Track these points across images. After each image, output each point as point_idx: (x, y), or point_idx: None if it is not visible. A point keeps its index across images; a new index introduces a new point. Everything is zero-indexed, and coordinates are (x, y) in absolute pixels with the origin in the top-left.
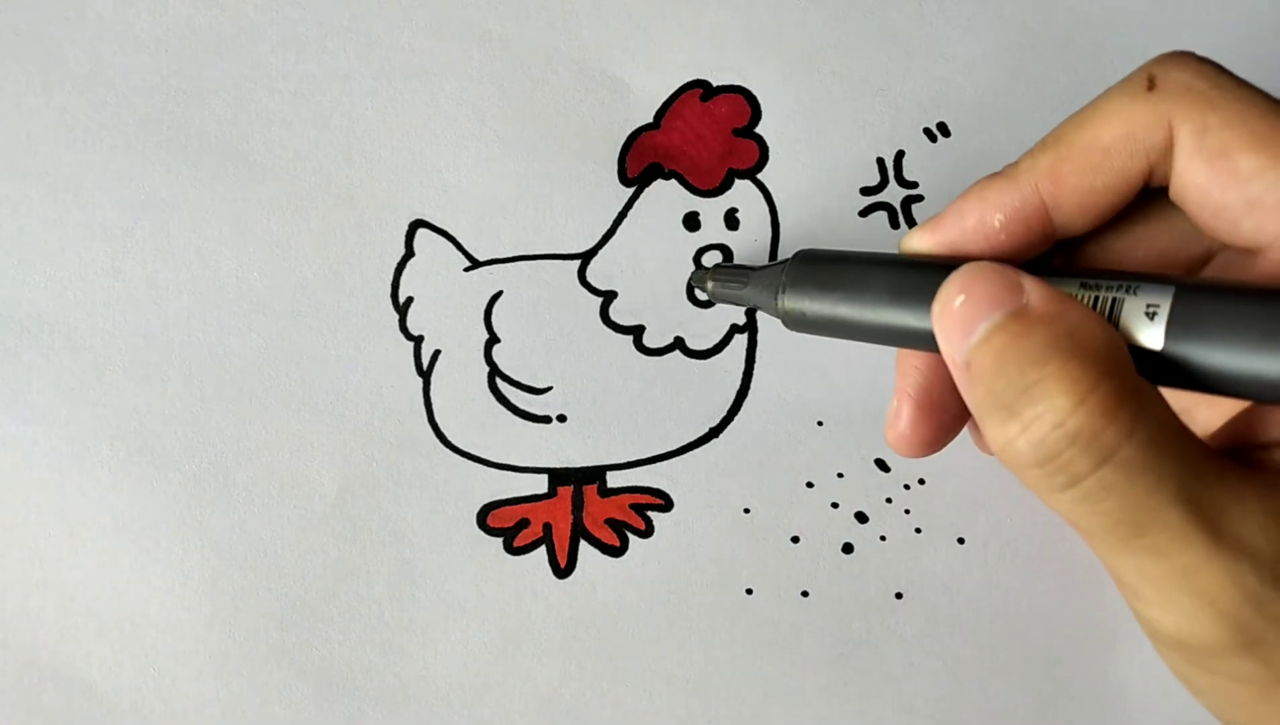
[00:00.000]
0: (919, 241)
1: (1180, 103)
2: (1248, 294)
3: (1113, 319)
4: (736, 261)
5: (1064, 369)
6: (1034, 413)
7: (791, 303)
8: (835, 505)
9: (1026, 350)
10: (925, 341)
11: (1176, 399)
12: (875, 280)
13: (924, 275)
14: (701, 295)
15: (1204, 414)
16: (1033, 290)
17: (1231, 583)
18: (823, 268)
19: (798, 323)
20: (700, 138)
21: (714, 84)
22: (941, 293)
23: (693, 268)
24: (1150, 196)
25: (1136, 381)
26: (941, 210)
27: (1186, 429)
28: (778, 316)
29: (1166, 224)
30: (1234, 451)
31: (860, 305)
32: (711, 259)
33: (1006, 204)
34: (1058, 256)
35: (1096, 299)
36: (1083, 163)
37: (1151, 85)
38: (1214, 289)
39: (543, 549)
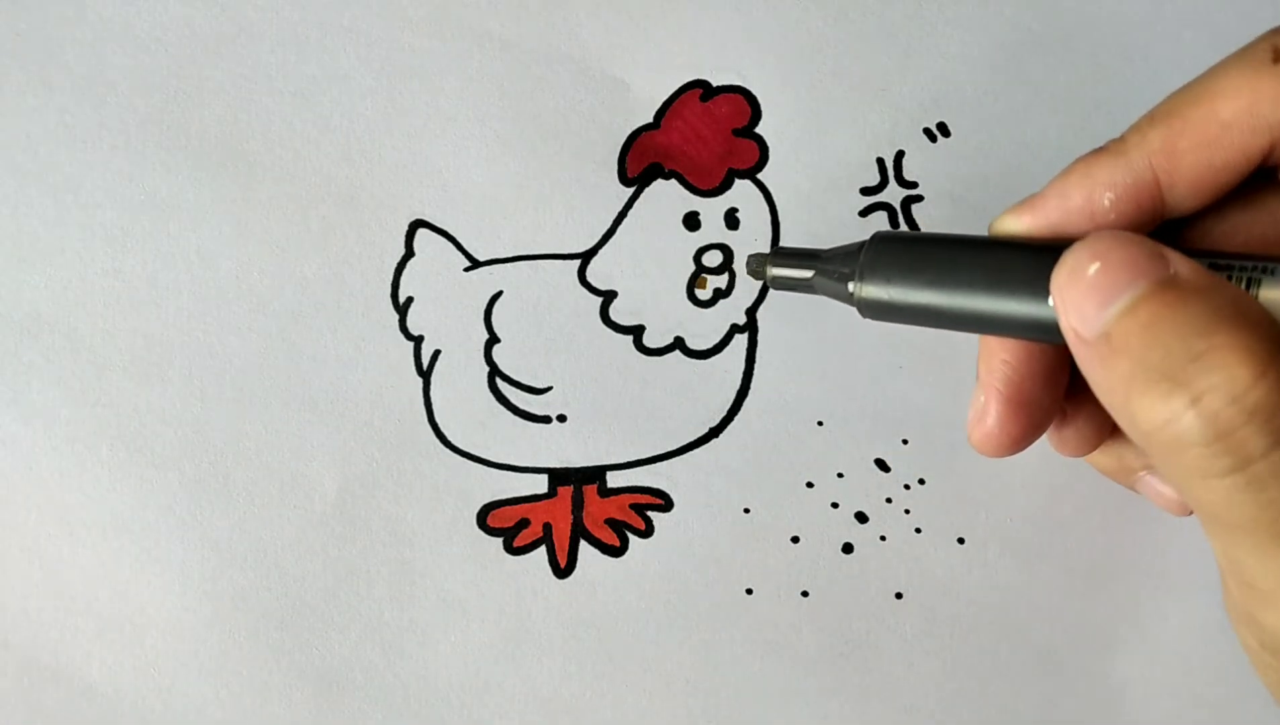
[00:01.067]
0: (1016, 222)
1: None
2: None
3: None
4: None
5: (1237, 338)
6: (1207, 383)
7: (872, 289)
8: (835, 505)
9: (1187, 320)
10: (1024, 329)
11: None
12: (968, 263)
13: (1023, 256)
14: (757, 280)
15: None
16: (1179, 261)
17: None
18: (907, 250)
19: (876, 310)
20: (700, 138)
21: (714, 84)
22: (1069, 260)
23: (693, 268)
24: (1253, 179)
25: None
26: (1042, 188)
27: None
28: (850, 303)
29: (1268, 208)
30: None
31: (952, 291)
32: (713, 259)
33: (1117, 182)
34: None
35: (1230, 276)
36: (1200, 137)
37: (1277, 57)
38: None
39: (543, 549)
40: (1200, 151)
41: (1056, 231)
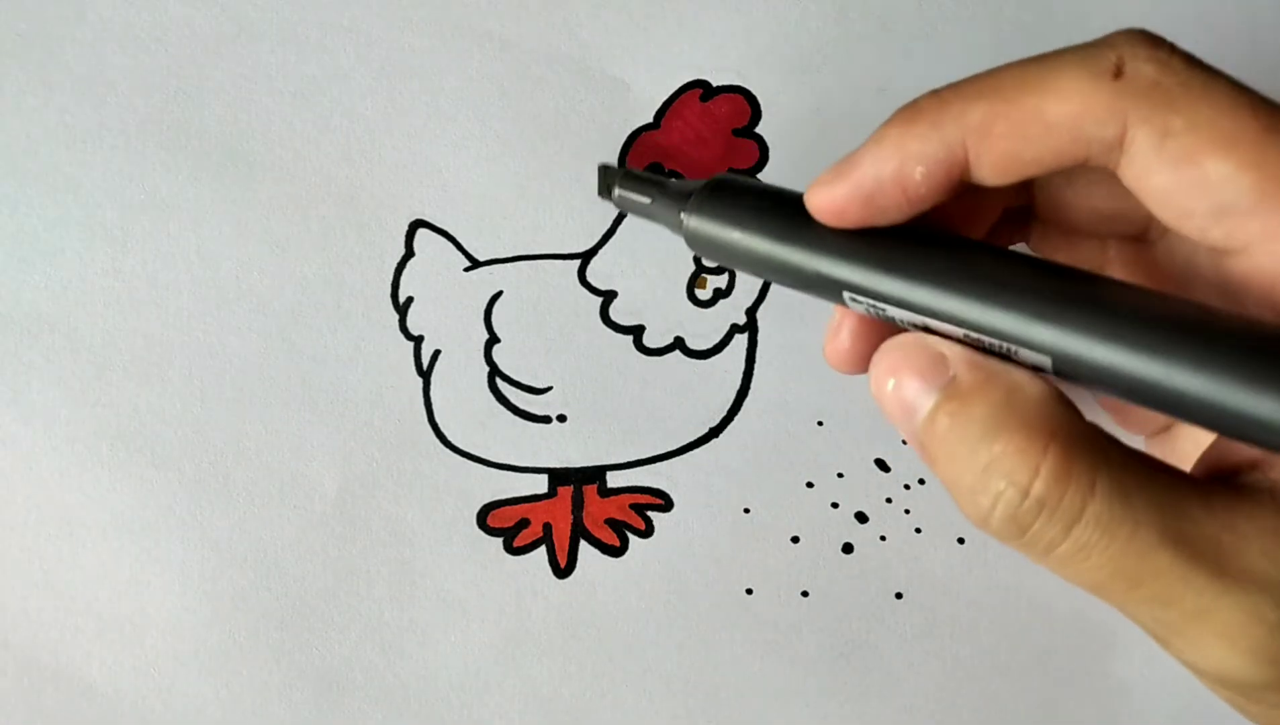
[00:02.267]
0: (829, 195)
1: (1143, 102)
2: (1126, 333)
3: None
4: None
5: (1012, 441)
6: (996, 490)
7: (696, 222)
8: (835, 505)
9: (969, 429)
10: (823, 287)
11: (1152, 423)
12: (783, 216)
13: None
14: (604, 196)
15: (1185, 444)
16: (956, 361)
17: (1250, 618)
18: (739, 194)
19: (699, 244)
20: (700, 138)
21: (714, 84)
22: (874, 375)
23: (693, 267)
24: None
25: (1085, 431)
26: (853, 154)
27: (1156, 464)
28: (680, 234)
29: (1111, 190)
30: (1219, 478)
31: (763, 239)
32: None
33: (929, 155)
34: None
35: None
36: (1019, 128)
37: (1118, 72)
38: (1091, 333)
39: (543, 549)
40: (1014, 141)
41: (870, 201)
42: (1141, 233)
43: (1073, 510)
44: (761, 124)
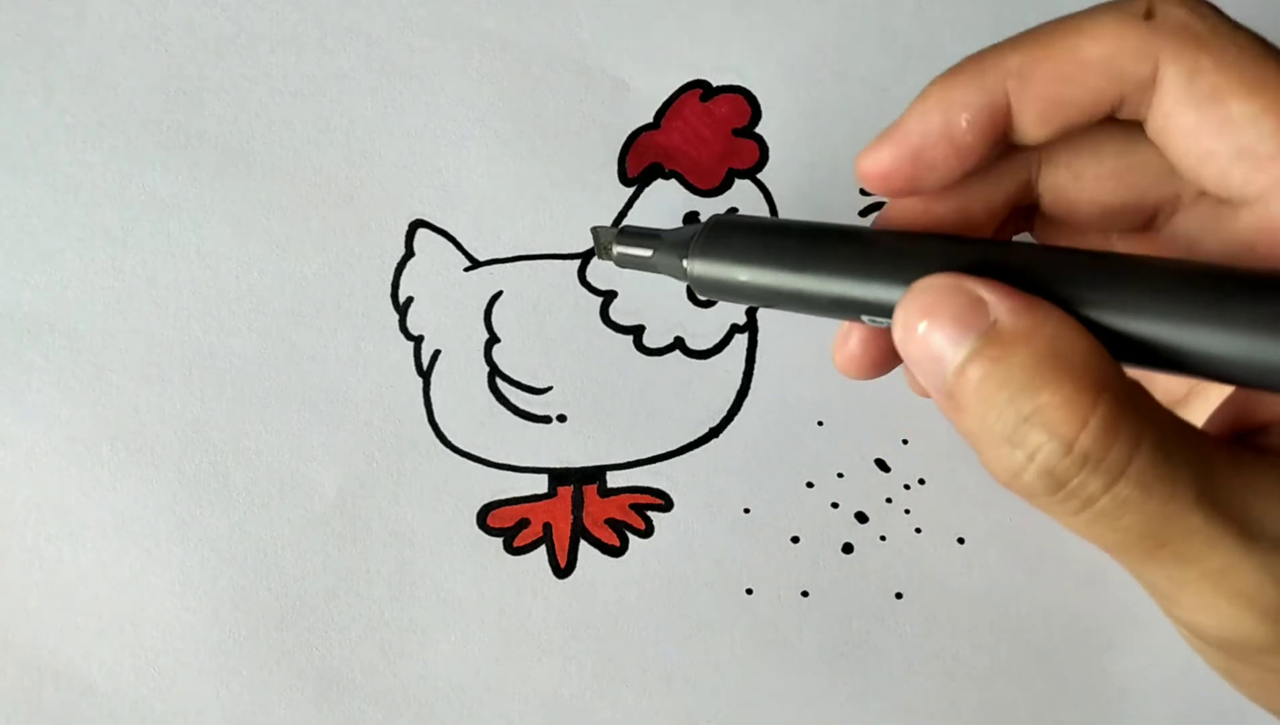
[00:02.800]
0: (876, 157)
1: (1174, 40)
2: (1170, 274)
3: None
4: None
5: (1059, 393)
6: (1037, 442)
7: (701, 267)
8: (835, 505)
9: (1012, 376)
10: (843, 307)
11: (1168, 394)
12: (790, 245)
13: (841, 241)
14: (604, 256)
15: (1198, 405)
16: (996, 304)
17: (1269, 579)
18: (737, 233)
19: (706, 287)
20: (700, 138)
21: (714, 84)
22: (901, 317)
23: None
24: (1126, 134)
25: (1131, 387)
26: (898, 119)
27: (1191, 426)
28: (685, 281)
29: (1141, 162)
30: (1233, 439)
31: (772, 270)
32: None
33: (972, 102)
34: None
35: (1055, 290)
36: (1056, 70)
37: (1149, 14)
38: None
39: (543, 549)
40: (1053, 84)
41: (919, 157)
42: (1145, 223)
43: (1118, 466)
44: (761, 124)
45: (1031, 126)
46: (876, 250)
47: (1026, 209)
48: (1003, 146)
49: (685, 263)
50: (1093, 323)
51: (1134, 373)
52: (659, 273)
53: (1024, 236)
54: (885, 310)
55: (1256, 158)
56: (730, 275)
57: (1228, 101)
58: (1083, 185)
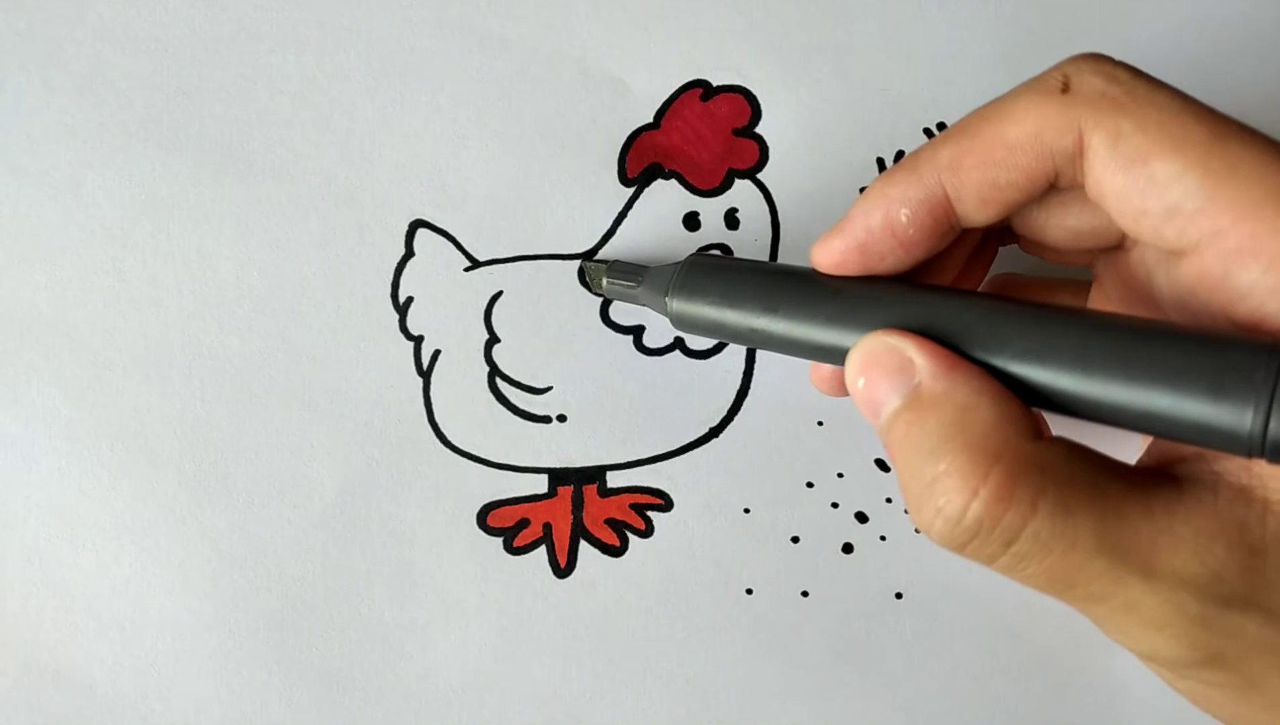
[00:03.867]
0: (828, 249)
1: (1093, 108)
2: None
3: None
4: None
5: (955, 463)
6: (936, 507)
7: (679, 305)
8: (835, 505)
9: (922, 442)
10: (804, 351)
11: None
12: (753, 288)
13: (805, 289)
14: (595, 290)
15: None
16: (923, 367)
17: (1174, 611)
18: (712, 272)
19: (683, 323)
20: (700, 137)
21: (714, 84)
22: (846, 371)
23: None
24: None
25: (1033, 450)
26: (847, 213)
27: (1102, 474)
28: (666, 315)
29: (1083, 208)
30: (1164, 468)
31: (740, 311)
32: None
33: (911, 198)
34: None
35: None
36: (985, 157)
37: (1065, 88)
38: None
39: (543, 549)
40: (985, 170)
41: (866, 250)
42: (1117, 243)
43: (1012, 529)
44: (761, 124)
45: (974, 212)
46: (831, 301)
47: (1002, 231)
48: (953, 233)
49: (666, 299)
50: (1015, 376)
51: None
52: (645, 306)
53: (1011, 247)
54: (840, 356)
55: (1185, 214)
56: (703, 314)
57: (1151, 162)
58: (1049, 214)
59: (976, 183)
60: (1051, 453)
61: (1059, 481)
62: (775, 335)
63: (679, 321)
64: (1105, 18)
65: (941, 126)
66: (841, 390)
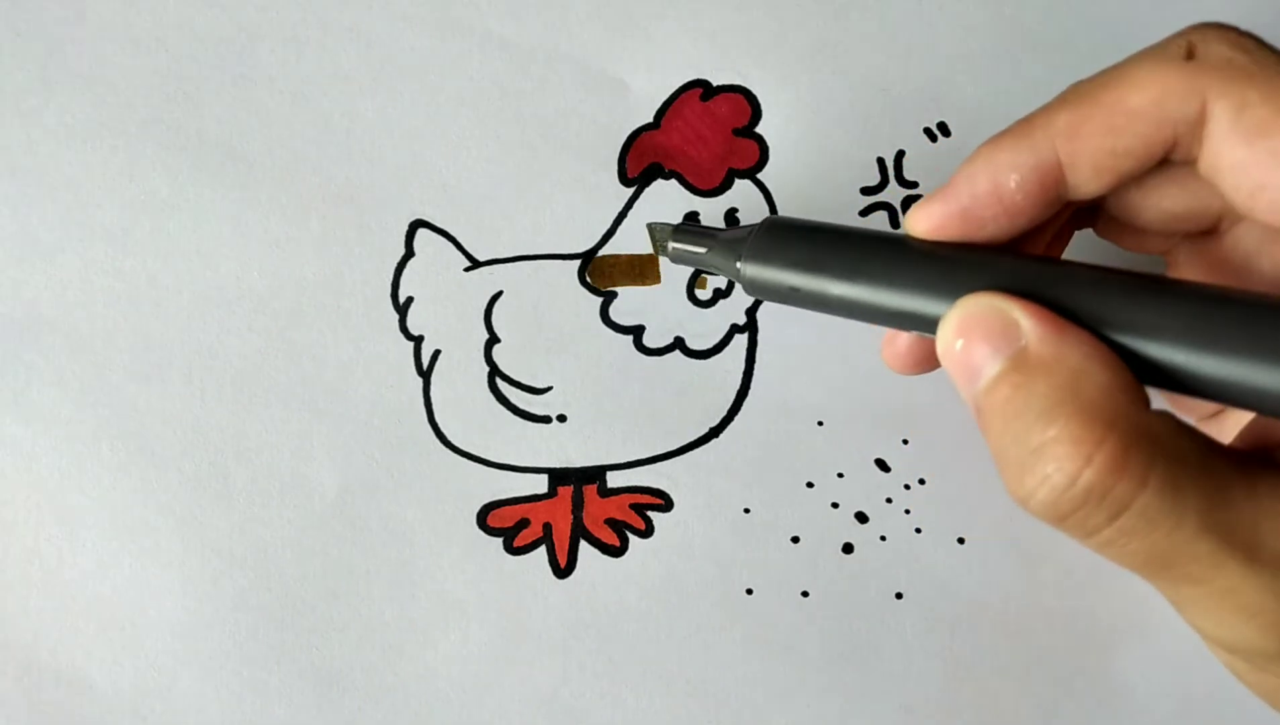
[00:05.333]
0: (927, 213)
1: (1219, 76)
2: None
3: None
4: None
5: (1067, 429)
6: (1044, 473)
7: (754, 269)
8: (835, 505)
9: (1029, 405)
10: (886, 317)
11: (1207, 405)
12: (839, 253)
13: (893, 252)
14: (660, 252)
15: (1234, 415)
16: (1030, 329)
17: (1272, 599)
18: (791, 235)
19: (758, 289)
20: (700, 137)
21: (714, 84)
22: (941, 333)
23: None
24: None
25: (1146, 421)
26: (950, 177)
27: (1208, 452)
28: (739, 281)
29: (1184, 188)
30: (1262, 452)
31: (822, 277)
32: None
33: (1021, 163)
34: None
35: (1090, 317)
36: (1106, 123)
37: (1190, 54)
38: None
39: (543, 549)
40: (1103, 137)
41: (968, 217)
42: (1210, 227)
43: (1121, 501)
44: (761, 124)
45: (1086, 182)
46: (924, 265)
47: (1090, 207)
48: (1058, 203)
49: (739, 265)
50: (1122, 347)
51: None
52: (713, 271)
53: (1087, 231)
54: (929, 324)
55: None
56: (781, 280)
57: (1276, 135)
58: (1146, 192)
59: (1094, 150)
60: (1162, 426)
61: (1169, 456)
62: (861, 301)
63: (753, 287)
64: (1105, 17)
65: (942, 126)
66: (916, 366)
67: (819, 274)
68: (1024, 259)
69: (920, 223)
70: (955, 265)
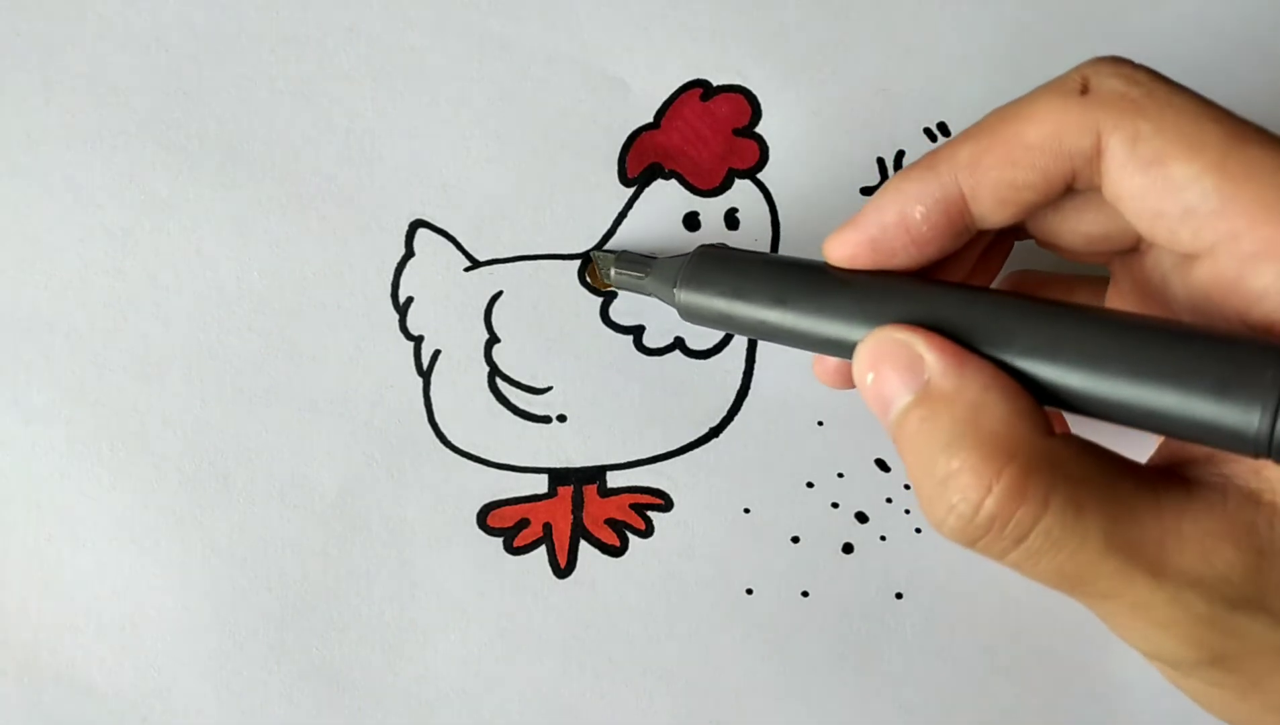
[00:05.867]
0: (840, 242)
1: (1112, 110)
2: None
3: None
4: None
5: (969, 460)
6: (950, 503)
7: (687, 296)
8: (835, 505)
9: (935, 437)
10: (814, 345)
11: None
12: (762, 280)
13: (815, 281)
14: (605, 279)
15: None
16: (933, 363)
17: (1181, 611)
18: (720, 264)
19: (691, 314)
20: (700, 137)
21: (714, 84)
22: (855, 364)
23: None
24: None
25: (1046, 446)
26: (863, 207)
27: (1113, 471)
28: (674, 306)
29: (1100, 212)
30: (1175, 469)
31: (750, 304)
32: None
33: (926, 195)
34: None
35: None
36: (1004, 156)
37: (1084, 89)
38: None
39: (543, 549)
40: (1003, 170)
41: (877, 246)
42: (1131, 247)
43: (1025, 525)
44: (761, 124)
45: (991, 213)
46: (840, 294)
47: (1012, 230)
48: (967, 234)
49: (674, 290)
50: (1023, 373)
51: None
52: (653, 297)
53: (1026, 242)
54: (849, 351)
55: (1201, 217)
56: (711, 306)
57: (1169, 164)
58: (1063, 220)
59: (994, 182)
60: (1063, 449)
61: (1071, 478)
62: (784, 328)
63: (687, 312)
64: (1105, 17)
65: (942, 126)
66: (845, 383)
67: (746, 301)
68: (934, 287)
69: (835, 251)
70: (869, 295)
